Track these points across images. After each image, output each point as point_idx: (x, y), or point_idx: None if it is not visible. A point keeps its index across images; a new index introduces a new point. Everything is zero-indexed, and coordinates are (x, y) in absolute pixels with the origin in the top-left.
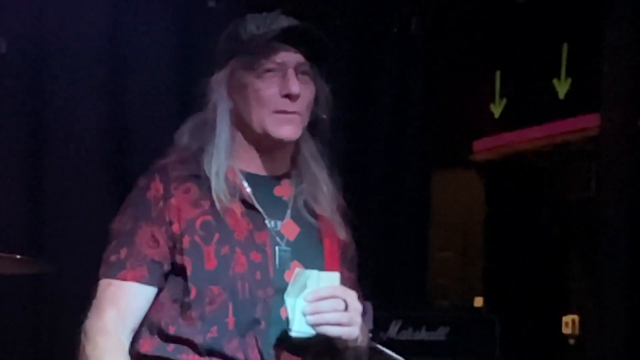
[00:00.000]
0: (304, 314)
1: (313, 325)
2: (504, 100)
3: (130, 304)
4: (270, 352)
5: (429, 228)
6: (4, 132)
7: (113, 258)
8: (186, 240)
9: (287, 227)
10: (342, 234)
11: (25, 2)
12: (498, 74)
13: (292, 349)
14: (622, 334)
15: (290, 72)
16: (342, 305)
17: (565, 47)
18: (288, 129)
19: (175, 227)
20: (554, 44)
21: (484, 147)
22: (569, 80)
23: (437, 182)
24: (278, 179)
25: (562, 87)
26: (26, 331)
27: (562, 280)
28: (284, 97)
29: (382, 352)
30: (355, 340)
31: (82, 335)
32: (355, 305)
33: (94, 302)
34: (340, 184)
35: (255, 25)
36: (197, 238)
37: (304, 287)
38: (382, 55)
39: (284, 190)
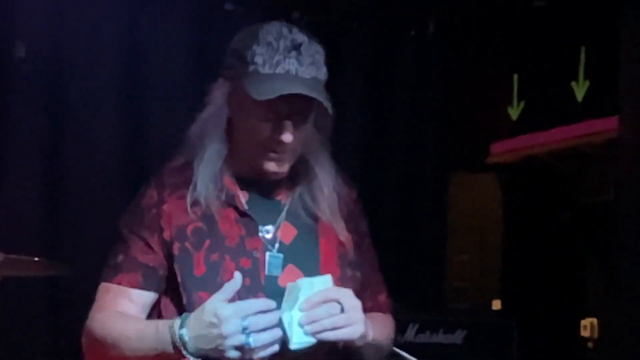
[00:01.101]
0: (301, 325)
1: (312, 334)
2: (522, 103)
3: (128, 308)
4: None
5: (446, 231)
6: (21, 135)
7: (111, 262)
8: (176, 247)
9: (284, 231)
10: (343, 234)
11: (43, 6)
12: (516, 77)
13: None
14: None
15: (286, 122)
16: (338, 308)
17: (583, 50)
18: (275, 165)
19: (166, 234)
20: (572, 46)
21: (501, 150)
22: (587, 83)
23: (454, 185)
24: (276, 181)
25: (580, 90)
26: (43, 334)
27: (580, 284)
28: (276, 141)
29: (399, 355)
30: (363, 337)
31: (83, 334)
32: (352, 303)
33: (94, 304)
34: (349, 179)
35: (262, 58)
36: (187, 244)
37: (297, 298)
38: (400, 58)
39: (282, 192)
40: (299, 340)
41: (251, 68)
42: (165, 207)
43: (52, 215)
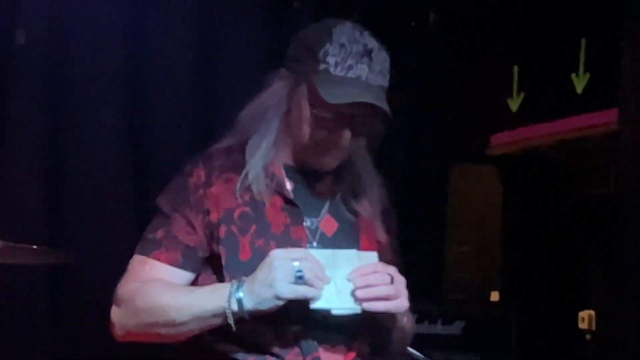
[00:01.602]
0: (351, 291)
1: (362, 300)
2: (522, 95)
3: (163, 280)
4: (308, 342)
5: (446, 222)
6: (23, 123)
7: (150, 237)
8: (223, 230)
9: (326, 223)
10: (382, 235)
11: None
12: (516, 68)
13: (331, 338)
14: (639, 330)
15: (347, 124)
16: (388, 279)
17: (583, 42)
18: (327, 162)
19: (213, 216)
20: (572, 39)
21: (501, 142)
22: (587, 76)
23: (454, 177)
24: (322, 175)
25: (580, 82)
26: (45, 321)
27: (579, 276)
28: (333, 140)
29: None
30: (403, 315)
31: (114, 303)
32: (399, 278)
33: (126, 274)
34: (382, 183)
35: (335, 59)
36: (234, 228)
37: (345, 267)
38: (400, 50)
39: (326, 186)
40: (342, 305)
41: (322, 67)
42: (213, 189)
43: (52, 202)
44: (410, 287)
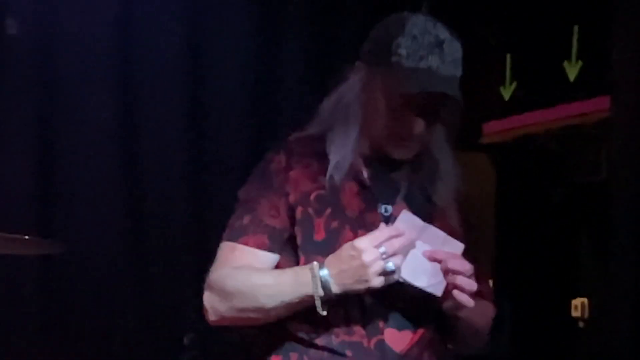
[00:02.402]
0: (433, 271)
1: (450, 284)
2: (514, 83)
3: (252, 266)
4: (373, 325)
5: None
6: (14, 113)
7: (237, 224)
8: (299, 211)
9: (399, 210)
10: (455, 222)
11: None
12: (508, 57)
13: (397, 323)
14: (631, 317)
15: (420, 114)
16: (471, 271)
17: (576, 29)
18: (403, 152)
19: (292, 198)
20: (565, 26)
21: (494, 130)
22: (580, 63)
23: None
24: (398, 163)
25: (572, 70)
26: (35, 312)
27: (571, 264)
28: (408, 130)
29: None
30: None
31: (206, 289)
32: (474, 280)
33: (217, 261)
34: (461, 174)
35: (406, 51)
36: (309, 210)
37: (426, 243)
38: None
39: (402, 174)
40: (427, 282)
41: (394, 59)
42: (292, 173)
43: (43, 193)
44: None
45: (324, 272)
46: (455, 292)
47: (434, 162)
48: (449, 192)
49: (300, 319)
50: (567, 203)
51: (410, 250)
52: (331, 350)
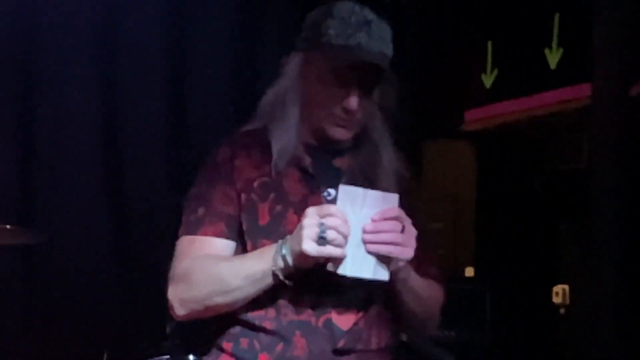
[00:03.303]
0: (363, 230)
1: (367, 243)
2: (496, 71)
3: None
4: (321, 304)
5: (419, 199)
6: None
7: (192, 217)
8: (243, 198)
9: None
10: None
11: None
12: (490, 44)
13: (344, 301)
14: (612, 304)
15: (353, 90)
16: (399, 228)
17: (557, 17)
18: (341, 132)
19: (238, 186)
20: (546, 14)
21: (475, 118)
22: (561, 51)
23: (428, 153)
24: (340, 150)
25: (553, 58)
26: (17, 301)
27: (552, 250)
28: (343, 107)
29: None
30: (405, 273)
31: (170, 284)
32: (411, 229)
33: (177, 255)
34: (403, 158)
35: (335, 31)
36: (253, 196)
37: (368, 213)
38: None
39: (343, 161)
40: (369, 272)
41: (324, 39)
42: (236, 162)
43: (27, 182)
44: None
45: (284, 245)
46: (383, 247)
47: (374, 147)
48: (390, 176)
49: (249, 303)
50: (548, 190)
51: (349, 242)
52: (280, 335)
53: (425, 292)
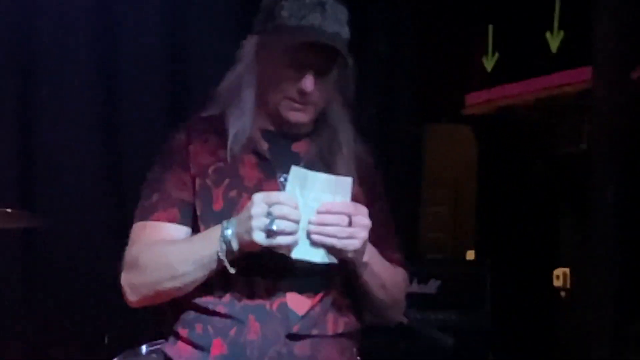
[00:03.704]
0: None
1: (313, 233)
2: (497, 54)
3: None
4: (276, 288)
5: (421, 182)
6: None
7: (146, 203)
8: (198, 183)
9: None
10: (359, 191)
11: None
12: (490, 27)
13: (298, 285)
14: (613, 287)
15: (308, 71)
16: (345, 221)
17: (558, 0)
18: (298, 115)
19: (192, 172)
20: None
21: (476, 101)
22: (562, 34)
23: (429, 137)
24: (298, 136)
25: (554, 41)
26: (17, 285)
27: (553, 234)
28: (298, 89)
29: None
30: (358, 254)
31: (122, 270)
32: (362, 222)
33: (130, 242)
34: (367, 144)
35: (288, 12)
36: (208, 181)
37: (312, 189)
38: (374, 8)
39: (302, 146)
40: (319, 256)
41: (278, 21)
42: (191, 147)
43: (26, 166)
44: None
45: (229, 227)
46: (328, 238)
47: (332, 131)
48: (349, 161)
49: (204, 288)
50: (549, 173)
51: (300, 227)
52: (234, 319)
53: (389, 277)
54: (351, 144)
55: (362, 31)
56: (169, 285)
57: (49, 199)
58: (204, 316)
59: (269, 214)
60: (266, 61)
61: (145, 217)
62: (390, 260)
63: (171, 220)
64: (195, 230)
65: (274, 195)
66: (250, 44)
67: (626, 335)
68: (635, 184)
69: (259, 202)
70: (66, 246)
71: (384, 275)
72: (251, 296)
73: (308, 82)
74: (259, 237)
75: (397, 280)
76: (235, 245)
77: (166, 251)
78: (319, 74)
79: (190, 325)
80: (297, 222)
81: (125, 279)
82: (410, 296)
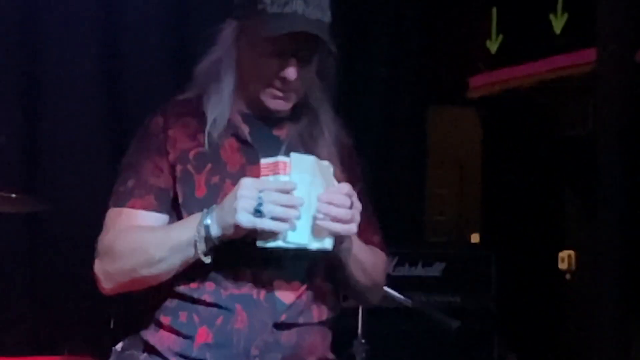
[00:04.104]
0: (319, 199)
1: (323, 213)
2: (501, 37)
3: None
4: (262, 277)
5: (426, 165)
6: None
7: (122, 189)
8: (179, 169)
9: None
10: (340, 175)
11: None
12: (494, 10)
13: (285, 274)
14: (617, 269)
15: (291, 60)
16: (349, 203)
17: None
18: (280, 103)
19: (171, 157)
20: None
21: (480, 84)
22: (566, 16)
23: (433, 119)
24: (279, 119)
25: (558, 23)
26: (22, 270)
27: (558, 216)
28: (281, 77)
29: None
30: (349, 242)
31: (96, 257)
32: (358, 204)
33: (105, 228)
34: (342, 124)
35: None
36: (189, 167)
37: (314, 175)
38: None
39: (282, 130)
40: (314, 242)
41: (259, 7)
42: (170, 132)
43: (31, 151)
44: (390, 229)
45: (209, 214)
46: (333, 224)
47: (313, 115)
48: (330, 144)
49: (188, 276)
50: (553, 156)
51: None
52: (219, 306)
53: (369, 260)
54: (332, 127)
55: (367, 15)
56: (144, 272)
57: (53, 184)
58: (188, 304)
59: (258, 198)
60: (247, 48)
61: (120, 204)
62: (370, 242)
63: (147, 208)
64: (178, 217)
65: (265, 182)
66: (230, 29)
67: (630, 318)
68: None
69: (249, 185)
70: (70, 231)
71: (365, 258)
72: (238, 285)
73: (291, 72)
74: (243, 218)
75: (377, 263)
76: (215, 231)
77: (142, 237)
78: (301, 61)
79: (173, 313)
80: (291, 207)
81: (99, 266)
82: (415, 279)
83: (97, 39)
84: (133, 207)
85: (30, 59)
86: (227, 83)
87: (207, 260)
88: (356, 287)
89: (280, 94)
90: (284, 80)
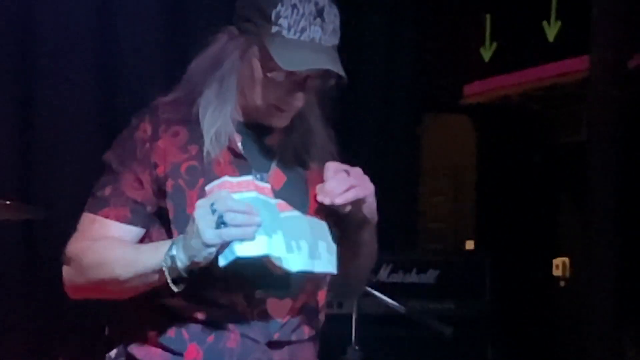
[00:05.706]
0: (313, 251)
1: (336, 195)
2: (494, 44)
3: (113, 239)
4: (256, 295)
5: (420, 173)
6: None
7: (99, 194)
8: (170, 184)
9: (274, 176)
10: None
11: None
12: (488, 17)
13: (278, 291)
14: (612, 276)
15: (301, 86)
16: (345, 174)
17: None
18: (280, 121)
19: (160, 170)
20: None
21: (474, 91)
22: (559, 24)
23: (428, 126)
24: (271, 129)
25: (551, 31)
26: (17, 277)
27: (552, 223)
28: (287, 100)
29: (373, 294)
30: (372, 209)
31: (64, 262)
32: (354, 169)
33: (76, 233)
34: (333, 135)
35: (287, 22)
36: (181, 182)
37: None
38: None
39: (276, 140)
40: (319, 266)
41: (274, 29)
42: (159, 143)
43: (26, 158)
44: (384, 236)
45: (175, 244)
46: (349, 193)
47: (306, 125)
48: (323, 154)
49: (183, 294)
50: (547, 163)
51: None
52: (211, 324)
53: (373, 244)
54: (325, 139)
55: (361, 23)
56: (109, 287)
57: (49, 191)
58: (177, 320)
59: (214, 211)
60: (253, 65)
61: (95, 210)
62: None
63: (120, 220)
64: (167, 232)
65: (214, 196)
66: (236, 39)
67: (624, 325)
68: (633, 173)
69: (201, 205)
70: (66, 238)
71: (371, 238)
72: (230, 303)
73: (299, 97)
74: (209, 235)
75: (374, 253)
76: (181, 262)
77: (111, 254)
78: (310, 85)
79: (161, 328)
80: (246, 212)
81: (67, 273)
82: (409, 286)
83: (93, 47)
84: (107, 216)
85: (25, 66)
86: (230, 98)
87: (177, 289)
88: (358, 275)
89: (283, 114)
90: (289, 103)
